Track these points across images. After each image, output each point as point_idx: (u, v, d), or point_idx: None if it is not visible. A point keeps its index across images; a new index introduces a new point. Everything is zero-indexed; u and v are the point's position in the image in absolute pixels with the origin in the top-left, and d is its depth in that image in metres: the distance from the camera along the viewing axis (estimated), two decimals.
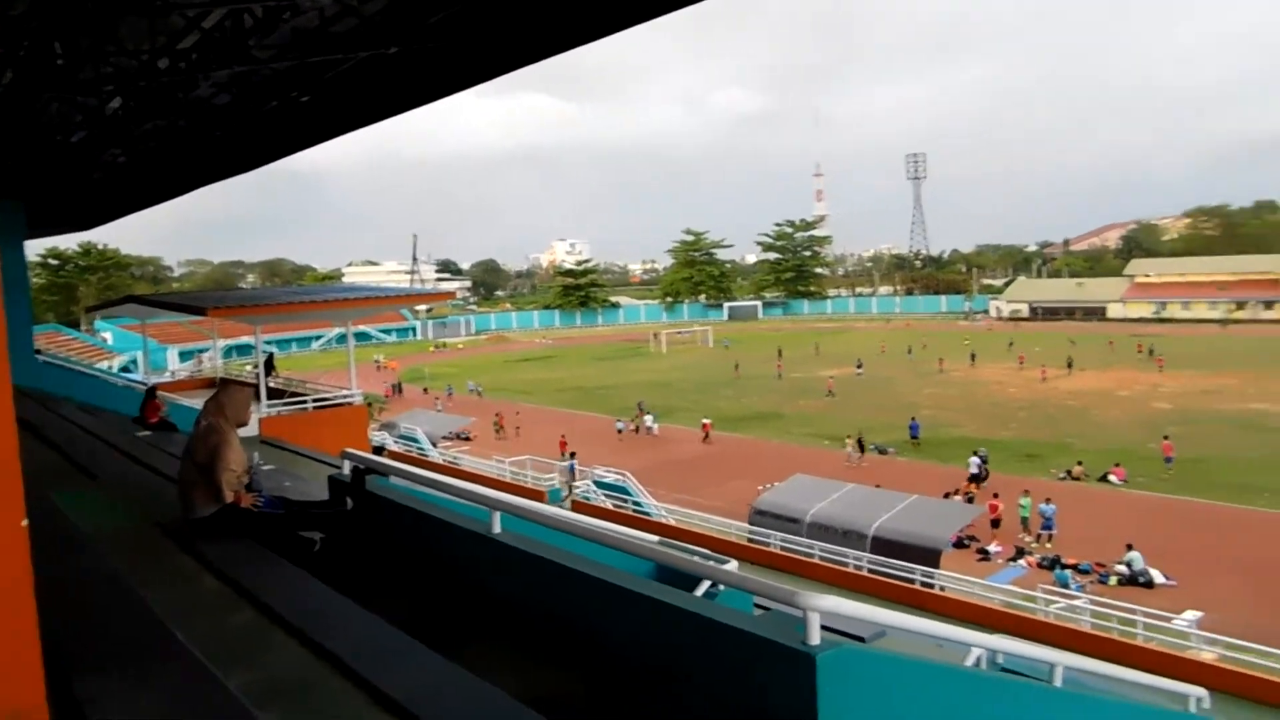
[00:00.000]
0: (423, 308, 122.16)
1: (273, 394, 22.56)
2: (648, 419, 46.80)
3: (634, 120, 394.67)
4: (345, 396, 22.76)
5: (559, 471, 30.81)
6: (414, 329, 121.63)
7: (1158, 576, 23.07)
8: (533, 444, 39.33)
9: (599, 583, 3.41)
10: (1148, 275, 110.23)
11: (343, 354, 26.69)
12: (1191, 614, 19.64)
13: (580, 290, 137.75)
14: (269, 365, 25.81)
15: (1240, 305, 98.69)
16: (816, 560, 21.37)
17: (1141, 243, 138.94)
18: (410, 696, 2.86)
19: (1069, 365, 63.03)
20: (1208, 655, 16.01)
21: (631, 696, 3.27)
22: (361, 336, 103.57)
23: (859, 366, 66.76)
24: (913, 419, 42.01)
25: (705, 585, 4.25)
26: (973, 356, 70.60)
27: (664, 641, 3.19)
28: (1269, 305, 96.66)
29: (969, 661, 4.66)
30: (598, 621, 3.46)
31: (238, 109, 14.57)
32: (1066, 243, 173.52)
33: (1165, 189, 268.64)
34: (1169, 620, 18.27)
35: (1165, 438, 35.78)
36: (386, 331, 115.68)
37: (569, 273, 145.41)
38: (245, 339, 63.01)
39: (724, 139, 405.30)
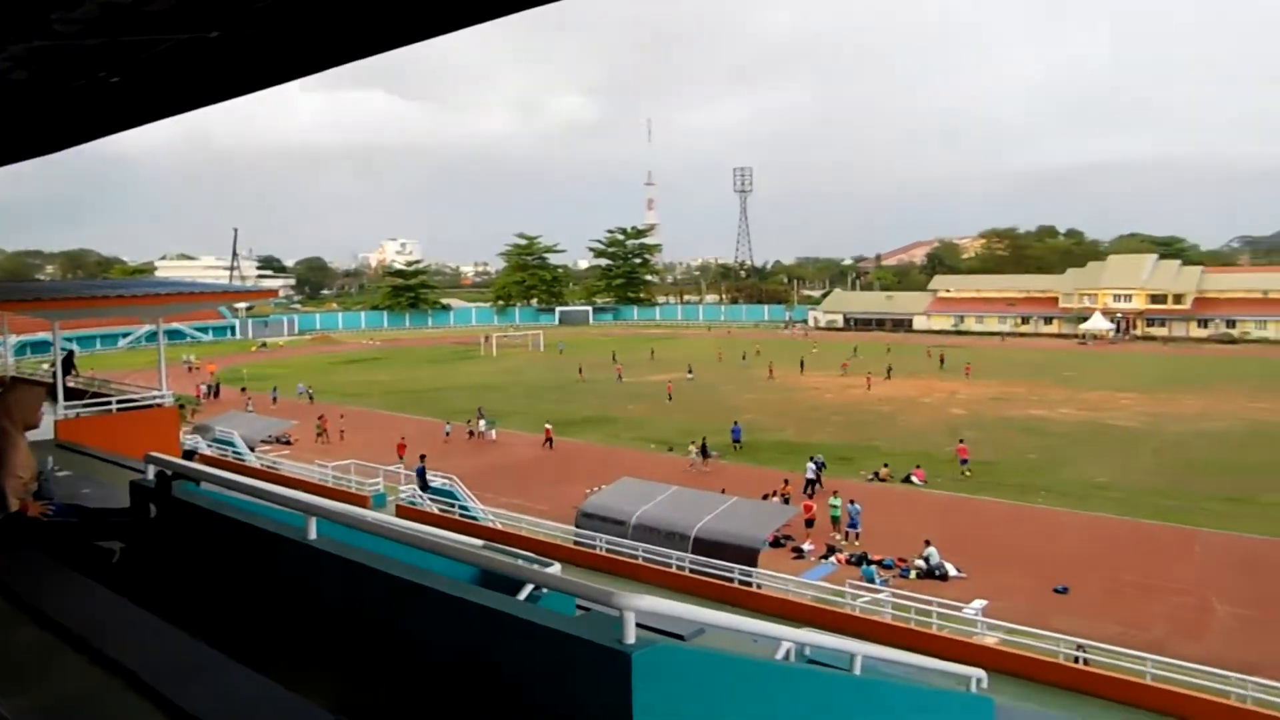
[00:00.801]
0: (243, 306, 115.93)
1: (72, 394, 20.83)
2: (483, 424, 46.13)
3: (469, 122, 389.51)
4: (154, 397, 21.29)
5: (383, 477, 29.88)
6: (233, 327, 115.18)
7: (951, 569, 24.79)
8: (357, 448, 38.05)
9: (418, 589, 3.33)
10: (948, 290, 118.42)
11: (153, 353, 25.00)
12: (978, 603, 21.24)
13: (410, 291, 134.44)
14: (68, 363, 23.81)
15: (1025, 320, 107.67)
16: (640, 561, 21.69)
17: (944, 259, 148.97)
18: (214, 712, 2.70)
19: (889, 373, 67.23)
20: (990, 640, 17.34)
21: (453, 703, 3.22)
22: (175, 334, 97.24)
23: (689, 372, 68.58)
24: (735, 423, 43.33)
25: (529, 589, 4.24)
26: (801, 364, 73.84)
27: (485, 646, 3.15)
28: (1048, 320, 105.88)
29: (779, 655, 4.86)
30: (418, 629, 3.38)
31: (37, 86, 13.37)
32: (878, 258, 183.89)
33: (965, 211, 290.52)
34: (959, 609, 19.68)
35: (960, 441, 38.52)
36: (203, 329, 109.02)
37: (399, 273, 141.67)
38: (43, 335, 57.91)
39: (559, 145, 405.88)
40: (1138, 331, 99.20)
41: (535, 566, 5.09)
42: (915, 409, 53.99)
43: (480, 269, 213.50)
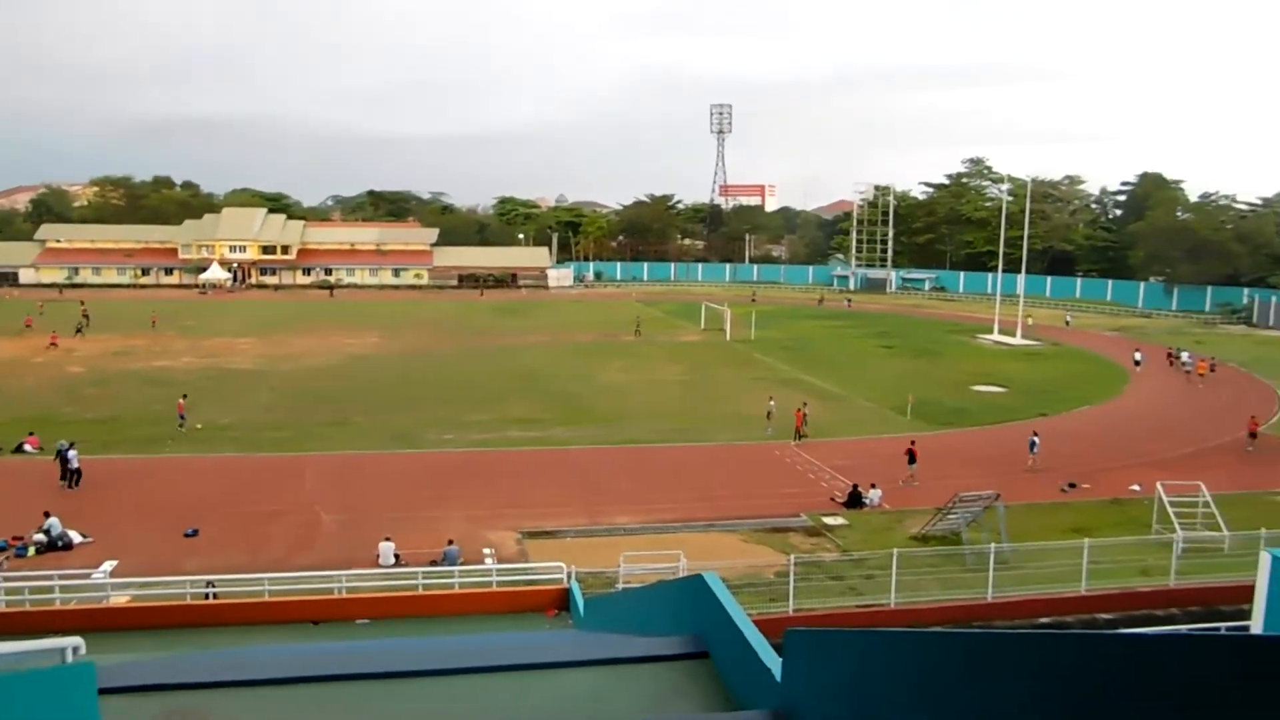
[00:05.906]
0: None
1: None
2: None
3: None
4: None
5: None
6: None
7: (76, 536, 22.82)
8: None
9: None
10: (59, 240, 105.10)
11: None
12: (109, 564, 20.26)
13: None
14: None
15: (145, 271, 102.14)
16: None
17: (52, 207, 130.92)
18: None
19: (79, 331, 59.69)
20: (122, 599, 16.77)
21: None
22: None
23: None
24: None
25: None
26: None
27: None
28: (169, 271, 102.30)
29: None
30: None
31: None
32: None
33: (74, 156, 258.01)
34: (89, 575, 18.48)
35: (184, 396, 35.82)
36: None
37: None
38: None
39: None
40: (253, 280, 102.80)
41: None
42: (26, 370, 47.22)
43: None
